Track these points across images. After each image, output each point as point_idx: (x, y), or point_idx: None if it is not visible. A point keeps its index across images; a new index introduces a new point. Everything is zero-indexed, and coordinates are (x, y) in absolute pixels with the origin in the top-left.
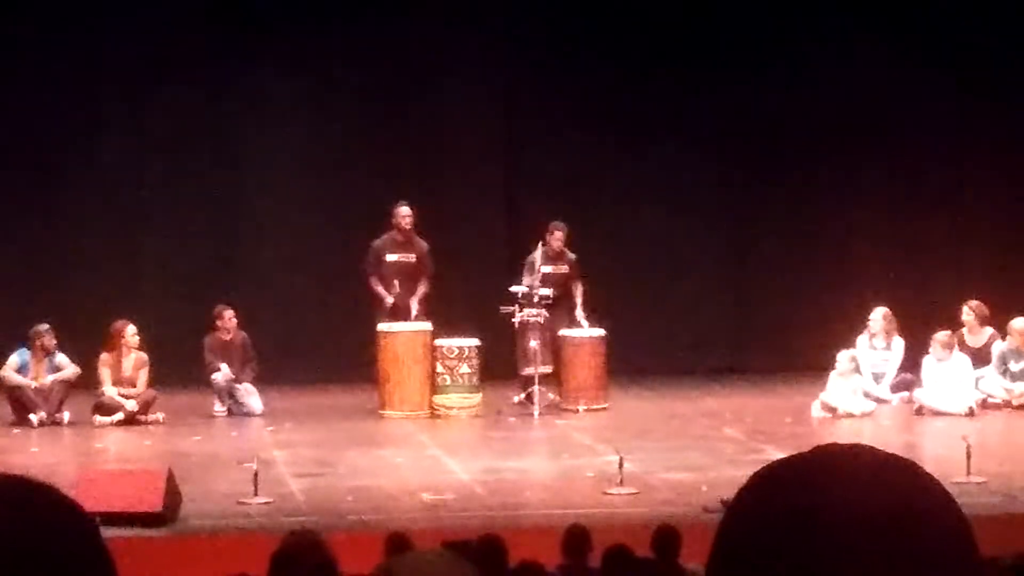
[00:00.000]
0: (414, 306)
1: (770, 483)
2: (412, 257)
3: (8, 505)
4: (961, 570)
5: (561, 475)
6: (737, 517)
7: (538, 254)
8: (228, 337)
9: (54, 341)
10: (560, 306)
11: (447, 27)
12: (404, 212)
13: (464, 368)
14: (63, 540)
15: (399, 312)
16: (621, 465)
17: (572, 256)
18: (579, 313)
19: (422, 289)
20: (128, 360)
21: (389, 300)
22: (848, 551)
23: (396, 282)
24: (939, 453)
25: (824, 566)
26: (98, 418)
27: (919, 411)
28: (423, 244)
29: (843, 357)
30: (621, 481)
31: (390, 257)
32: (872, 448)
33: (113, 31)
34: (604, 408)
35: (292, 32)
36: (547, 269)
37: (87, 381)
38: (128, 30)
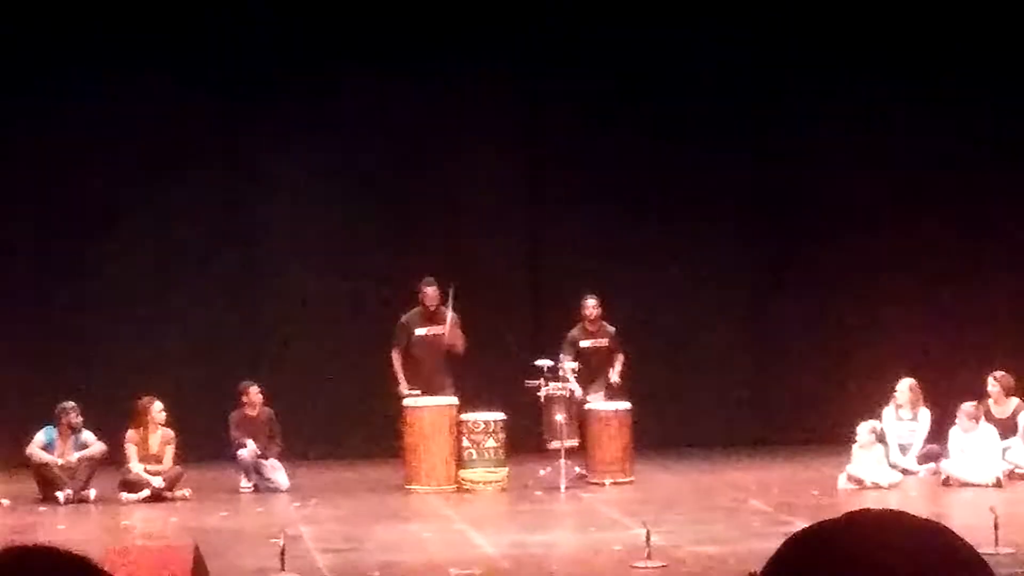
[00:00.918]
0: (448, 385)
1: (803, 549)
2: (441, 330)
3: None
4: None
5: (588, 548)
6: None
7: (576, 330)
8: (254, 413)
9: (80, 419)
10: (598, 381)
11: (471, 99)
12: (431, 292)
13: (490, 442)
14: None
15: (431, 386)
16: (648, 538)
17: (611, 329)
18: (613, 374)
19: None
20: (155, 437)
21: (405, 389)
22: None
23: (423, 357)
24: (967, 523)
25: None
26: (125, 495)
27: (946, 482)
28: (452, 315)
29: (863, 429)
30: (649, 555)
31: (419, 331)
32: (904, 513)
33: (134, 108)
34: (630, 481)
35: (315, 104)
36: (586, 344)
37: (113, 458)
38: (149, 107)
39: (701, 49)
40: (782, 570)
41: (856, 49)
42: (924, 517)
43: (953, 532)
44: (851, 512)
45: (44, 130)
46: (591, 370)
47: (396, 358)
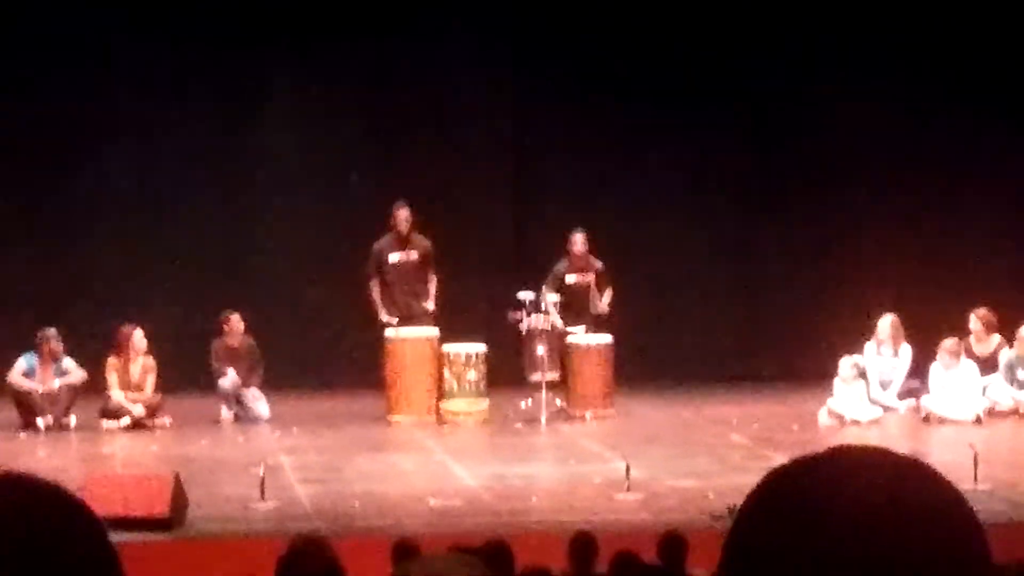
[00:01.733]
0: (429, 306)
1: (783, 483)
2: (414, 255)
3: (15, 504)
4: (974, 572)
5: (568, 481)
6: (749, 517)
7: (563, 264)
8: (235, 342)
9: (61, 346)
10: (583, 316)
11: (456, 31)
12: (403, 215)
13: (471, 374)
14: (70, 540)
15: (407, 314)
16: (628, 472)
17: (598, 264)
18: (601, 303)
19: (432, 287)
20: (135, 365)
21: (384, 317)
22: (860, 554)
23: (395, 283)
24: (946, 460)
25: (836, 569)
26: (105, 423)
27: (926, 419)
28: (425, 241)
29: (845, 364)
30: (628, 487)
31: (392, 257)
32: (885, 449)
33: (127, 39)
34: (611, 415)
35: (302, 38)
36: (572, 278)
37: (94, 386)
38: (141, 38)
39: None
40: (762, 504)
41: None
42: (904, 453)
43: (933, 468)
44: (832, 447)
45: (29, 53)
46: (576, 305)
47: (374, 287)
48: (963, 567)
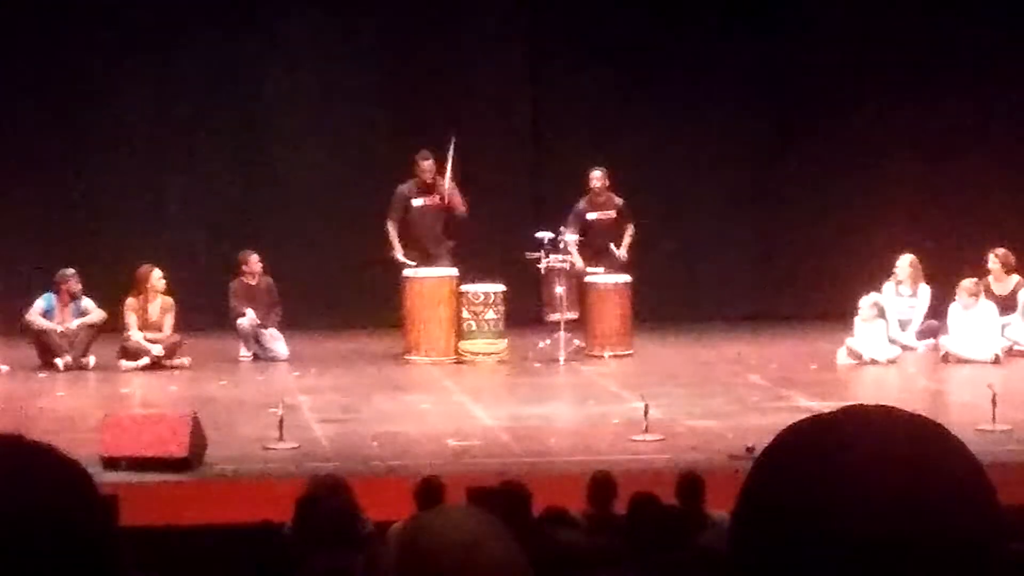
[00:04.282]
0: (445, 254)
1: (798, 440)
2: (439, 200)
3: (5, 467)
4: (981, 528)
5: (586, 422)
6: (765, 470)
7: (583, 202)
8: (253, 282)
9: (80, 286)
10: (606, 253)
11: None
12: (427, 166)
13: (490, 314)
14: (59, 498)
15: (429, 257)
16: (646, 412)
17: (620, 200)
18: (621, 250)
19: (450, 240)
20: (154, 305)
21: (400, 257)
22: (871, 507)
23: (418, 227)
24: (965, 400)
25: (847, 520)
26: (124, 362)
27: (945, 358)
28: (450, 185)
29: (865, 303)
30: (646, 428)
31: (416, 202)
32: (898, 409)
33: None
34: (629, 355)
35: None
36: (592, 216)
37: (113, 325)
38: None
39: None
40: (777, 459)
41: None
42: (917, 413)
43: (944, 428)
44: (846, 406)
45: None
46: (598, 242)
47: (391, 227)
48: (969, 520)
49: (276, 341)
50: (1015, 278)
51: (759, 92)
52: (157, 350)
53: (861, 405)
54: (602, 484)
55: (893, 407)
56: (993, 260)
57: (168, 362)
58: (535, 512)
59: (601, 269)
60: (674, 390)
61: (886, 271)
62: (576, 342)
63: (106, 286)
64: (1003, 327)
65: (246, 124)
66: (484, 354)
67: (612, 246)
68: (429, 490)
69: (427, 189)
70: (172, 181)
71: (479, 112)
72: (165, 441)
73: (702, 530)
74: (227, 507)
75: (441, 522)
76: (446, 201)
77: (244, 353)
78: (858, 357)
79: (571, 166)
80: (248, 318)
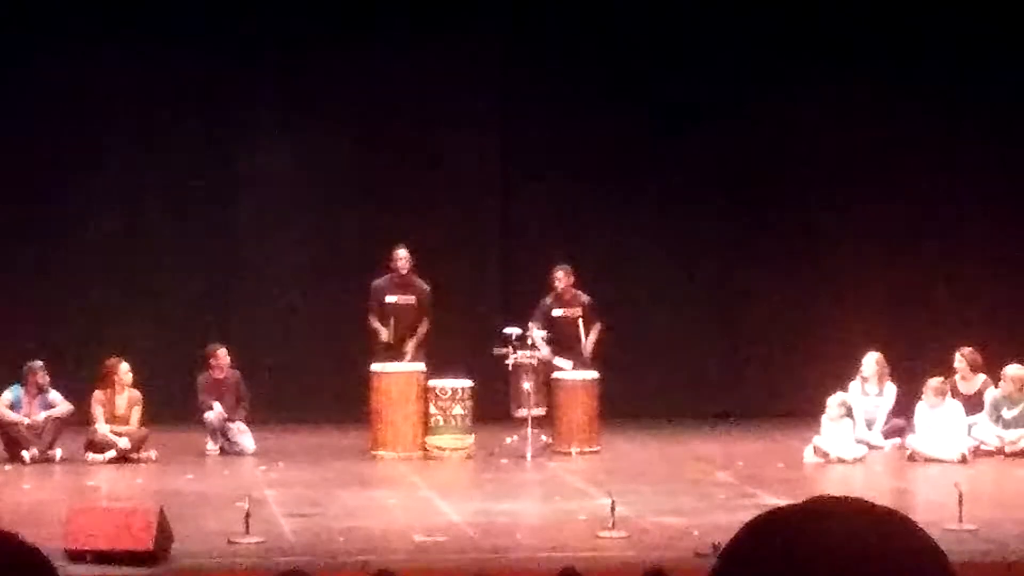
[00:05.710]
0: (410, 350)
1: (764, 532)
2: (411, 299)
3: None
4: None
5: (553, 517)
6: (731, 564)
7: (549, 298)
8: (221, 376)
9: (47, 378)
10: (570, 351)
11: (442, 68)
12: (401, 255)
13: (457, 409)
14: None
15: (394, 353)
16: (613, 508)
17: (586, 298)
18: (586, 346)
19: (422, 330)
20: (121, 398)
21: (383, 334)
22: None
23: (392, 322)
24: (931, 499)
25: None
26: (90, 455)
27: (911, 457)
28: (423, 286)
29: (832, 402)
30: (613, 524)
31: (389, 299)
32: (864, 500)
33: (104, 68)
34: (596, 451)
35: (289, 69)
36: (558, 313)
37: (80, 418)
38: (120, 66)
39: (672, 20)
40: (744, 551)
41: (823, 28)
42: (883, 505)
43: (911, 520)
44: (813, 497)
45: (12, 88)
46: (563, 339)
47: (372, 319)
48: None
49: (243, 435)
50: (981, 377)
51: (726, 191)
52: (124, 443)
53: (827, 496)
54: None
55: (859, 498)
56: (959, 360)
57: (135, 455)
58: None
59: (570, 363)
60: (641, 487)
61: (854, 369)
62: (544, 438)
63: (73, 378)
64: (970, 427)
65: (214, 218)
66: (451, 449)
67: (584, 344)
68: None
69: (401, 285)
70: (141, 274)
71: (449, 207)
72: (131, 534)
73: None
74: None
75: None
76: (416, 300)
77: (211, 447)
78: (825, 456)
79: (540, 262)
80: (215, 412)
